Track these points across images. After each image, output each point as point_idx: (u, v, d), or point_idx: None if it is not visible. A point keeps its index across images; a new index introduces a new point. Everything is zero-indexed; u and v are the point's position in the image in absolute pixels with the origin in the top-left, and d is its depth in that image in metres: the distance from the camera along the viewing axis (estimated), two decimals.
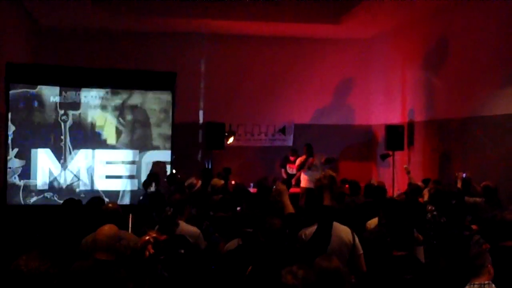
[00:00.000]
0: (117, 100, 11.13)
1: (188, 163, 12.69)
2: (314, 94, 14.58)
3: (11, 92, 10.45)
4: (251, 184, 11.29)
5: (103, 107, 11.05)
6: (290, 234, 4.61)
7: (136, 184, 11.02)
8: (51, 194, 10.72)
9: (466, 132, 10.39)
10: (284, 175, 13.16)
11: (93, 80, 11.03)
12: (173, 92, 11.35)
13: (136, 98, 11.26)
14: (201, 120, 14.12)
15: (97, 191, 10.76)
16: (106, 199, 8.26)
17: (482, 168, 9.51)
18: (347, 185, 9.34)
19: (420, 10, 11.54)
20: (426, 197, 7.73)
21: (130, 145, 11.17)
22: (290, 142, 14.49)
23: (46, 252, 2.96)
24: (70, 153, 10.86)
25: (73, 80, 10.94)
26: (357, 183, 8.97)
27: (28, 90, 10.64)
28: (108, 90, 11.09)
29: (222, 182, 8.66)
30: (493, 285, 3.68)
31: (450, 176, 9.73)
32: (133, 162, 11.18)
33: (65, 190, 10.70)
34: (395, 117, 13.30)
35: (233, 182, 10.94)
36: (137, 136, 11.22)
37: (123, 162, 11.15)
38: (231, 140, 13.20)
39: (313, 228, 4.51)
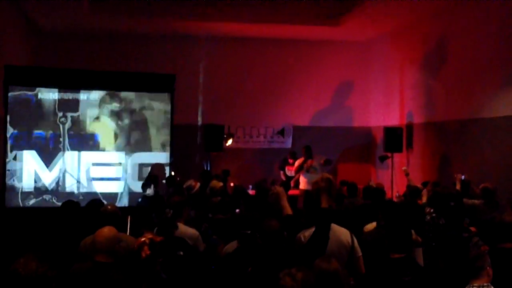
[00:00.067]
0: (116, 102, 11.13)
1: (186, 165, 12.69)
2: (313, 96, 14.58)
3: (9, 94, 10.46)
4: (250, 186, 11.28)
5: (102, 109, 11.05)
6: (289, 236, 4.61)
7: (135, 186, 11.01)
8: (50, 196, 10.72)
9: (465, 134, 10.39)
10: (283, 177, 13.15)
11: (92, 82, 11.04)
12: (172, 94, 11.36)
13: (135, 100, 11.27)
14: (200, 122, 14.10)
15: (96, 193, 10.76)
16: (104, 201, 8.25)
17: (481, 170, 9.51)
18: (345, 187, 9.34)
19: (418, 12, 11.54)
20: (424, 199, 7.73)
21: (129, 147, 11.17)
22: (289, 144, 14.48)
23: (44, 254, 2.95)
24: (69, 155, 10.85)
25: (72, 82, 10.95)
26: (355, 185, 8.97)
27: (26, 92, 10.65)
28: (107, 92, 11.10)
29: (221, 184, 8.66)
30: (492, 287, 3.68)
31: (449, 178, 9.72)
32: (131, 164, 11.17)
33: (64, 192, 10.70)
34: (394, 119, 13.30)
35: (231, 184, 10.94)
36: (135, 138, 11.22)
37: (121, 164, 11.14)
38: (230, 142, 13.20)
39: (312, 230, 4.51)
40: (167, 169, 11.19)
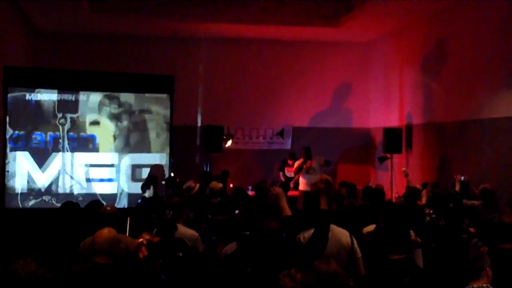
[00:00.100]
0: (115, 103, 11.12)
1: (186, 166, 12.69)
2: (313, 97, 14.58)
3: (9, 95, 10.44)
4: (249, 187, 11.28)
5: (101, 110, 11.04)
6: (288, 237, 4.61)
7: (134, 187, 11.00)
8: (49, 197, 10.70)
9: (464, 135, 10.40)
10: (282, 178, 13.14)
11: (92, 83, 11.03)
12: (171, 95, 11.35)
13: (134, 101, 11.27)
14: (199, 123, 14.10)
15: (95, 194, 10.75)
16: (104, 203, 8.24)
17: (480, 171, 9.52)
18: (344, 188, 9.34)
19: (418, 13, 11.56)
20: (424, 200, 7.73)
21: (128, 148, 11.16)
22: (288, 145, 14.49)
23: (44, 255, 2.95)
24: (68, 156, 10.85)
25: (71, 83, 10.94)
26: (354, 186, 8.96)
27: (26, 93, 10.64)
28: (106, 93, 11.10)
29: (221, 185, 8.65)
30: None
31: (448, 179, 9.73)
32: (131, 165, 11.17)
33: (63, 193, 10.69)
34: (393, 120, 13.31)
35: (231, 185, 10.94)
36: (135, 139, 11.21)
37: (120, 165, 11.14)
38: (229, 143, 13.20)
39: (311, 231, 4.51)
40: (166, 170, 11.18)
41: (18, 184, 10.54)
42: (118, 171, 11.12)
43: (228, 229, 5.86)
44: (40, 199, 10.65)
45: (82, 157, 10.95)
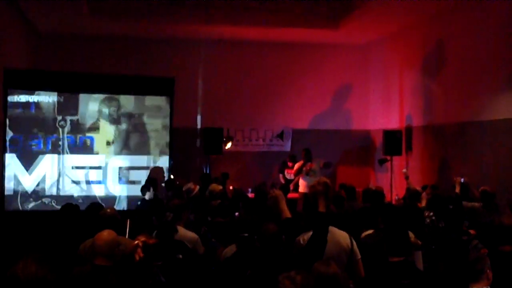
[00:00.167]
0: (115, 105, 11.12)
1: (186, 168, 12.68)
2: (312, 99, 14.58)
3: (9, 97, 10.45)
4: (249, 189, 11.28)
5: (101, 113, 11.05)
6: (287, 239, 4.61)
7: (133, 190, 11.00)
8: (49, 199, 10.70)
9: (464, 136, 10.40)
10: (282, 180, 13.14)
11: (91, 86, 11.05)
12: (171, 98, 11.36)
13: (134, 103, 11.27)
14: (199, 126, 14.10)
15: (94, 196, 10.76)
16: (103, 205, 8.24)
17: (480, 173, 9.52)
18: (343, 190, 9.33)
19: (417, 15, 11.57)
20: (424, 203, 7.73)
21: (128, 151, 11.17)
22: (288, 148, 14.49)
23: (44, 257, 2.95)
24: (68, 158, 10.85)
25: (71, 85, 10.95)
26: (353, 188, 8.96)
27: (26, 95, 10.64)
28: (106, 95, 11.10)
29: (221, 187, 8.66)
30: None
31: (448, 181, 9.73)
32: (130, 168, 11.17)
33: (63, 195, 10.69)
34: (393, 122, 13.31)
35: (231, 187, 10.94)
36: (134, 142, 11.22)
37: (120, 168, 11.14)
38: (229, 145, 13.20)
39: (311, 233, 4.51)
40: (166, 172, 11.18)
41: (18, 186, 10.54)
42: (117, 174, 11.12)
43: (227, 231, 5.87)
44: (40, 201, 10.65)
45: (82, 159, 10.95)
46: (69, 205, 6.86)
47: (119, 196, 11.07)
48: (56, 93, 10.81)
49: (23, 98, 10.62)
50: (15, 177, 10.52)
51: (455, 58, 10.88)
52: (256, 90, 14.26)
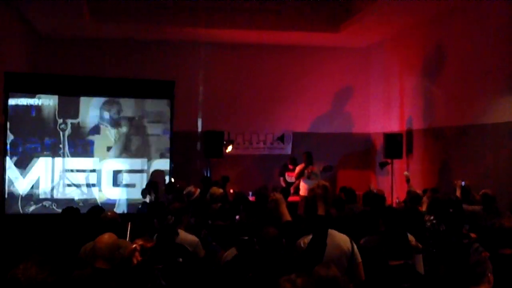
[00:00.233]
0: (116, 109, 11.14)
1: (186, 172, 12.68)
2: (313, 102, 14.59)
3: (9, 101, 10.46)
4: (250, 193, 11.28)
5: (102, 116, 11.06)
6: (288, 243, 4.61)
7: (134, 193, 11.00)
8: (50, 202, 10.71)
9: (465, 140, 10.39)
10: (283, 184, 13.14)
11: (92, 89, 11.06)
12: (171, 101, 11.37)
13: (134, 106, 11.29)
14: (199, 129, 14.10)
15: (95, 199, 10.77)
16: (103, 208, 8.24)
17: (481, 176, 9.51)
18: (343, 193, 9.31)
19: (418, 18, 11.58)
20: (424, 207, 7.71)
21: (129, 154, 11.17)
22: (288, 151, 14.49)
23: (44, 260, 2.95)
24: (69, 161, 10.85)
25: (72, 88, 10.97)
26: (353, 191, 8.94)
27: (26, 99, 10.65)
28: (106, 98, 11.11)
29: (221, 190, 8.65)
30: None
31: (449, 184, 9.72)
32: (131, 171, 11.17)
33: (64, 198, 10.69)
34: (394, 125, 13.31)
35: (231, 191, 10.93)
36: (135, 145, 11.22)
37: (121, 171, 11.14)
38: (229, 148, 13.20)
39: (311, 236, 4.52)
40: (166, 175, 11.19)
41: (19, 189, 10.55)
42: (118, 177, 11.12)
43: (228, 235, 5.86)
44: (40, 204, 10.66)
45: (83, 163, 10.96)
46: (70, 208, 6.87)
47: (119, 200, 11.07)
48: (56, 96, 10.82)
49: (24, 101, 10.64)
50: (16, 180, 10.53)
51: (455, 60, 10.88)
52: (256, 93, 14.27)
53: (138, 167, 11.21)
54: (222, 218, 6.77)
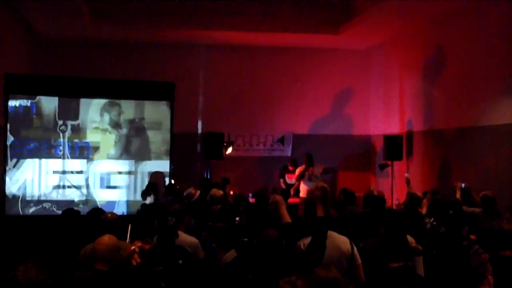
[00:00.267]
0: (116, 111, 11.13)
1: (186, 173, 12.67)
2: (313, 104, 14.59)
3: (9, 102, 10.46)
4: (250, 195, 11.28)
5: (102, 117, 11.05)
6: (288, 244, 4.61)
7: (134, 195, 11.00)
8: (50, 204, 10.70)
9: (465, 141, 10.39)
10: (283, 185, 13.14)
11: (92, 90, 11.05)
12: (171, 102, 11.36)
13: (134, 108, 11.28)
14: (199, 130, 14.11)
15: (95, 201, 10.77)
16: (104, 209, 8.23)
17: (481, 178, 9.51)
18: (342, 195, 9.29)
19: (418, 21, 11.59)
20: (425, 210, 7.69)
21: (129, 155, 11.16)
22: (288, 153, 14.48)
23: (44, 262, 2.95)
24: (69, 163, 10.85)
25: (72, 90, 10.95)
26: (353, 193, 8.93)
27: (26, 100, 10.65)
28: (107, 100, 11.11)
29: (221, 192, 8.64)
30: None
31: (449, 186, 9.72)
32: (131, 173, 11.17)
33: (64, 200, 10.68)
34: (394, 127, 13.32)
35: (231, 192, 10.92)
36: (135, 146, 11.22)
37: (121, 173, 11.13)
38: (229, 150, 13.20)
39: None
40: (166, 177, 11.18)
41: (19, 191, 10.54)
42: (118, 178, 11.12)
43: (227, 237, 5.86)
44: (40, 206, 10.65)
45: (83, 164, 10.95)
46: (70, 210, 6.87)
47: (119, 201, 11.06)
48: (56, 98, 10.81)
49: (24, 103, 10.64)
50: (16, 181, 10.52)
51: (455, 63, 10.89)
52: (257, 95, 14.28)
53: (138, 169, 11.20)
54: (222, 220, 6.77)
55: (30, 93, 10.66)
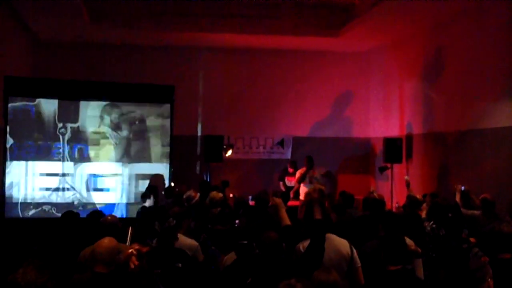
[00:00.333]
0: (116, 113, 11.14)
1: (186, 176, 12.68)
2: (313, 106, 14.60)
3: (9, 105, 10.46)
4: (249, 197, 11.27)
5: (102, 120, 11.06)
6: (287, 247, 4.61)
7: (133, 197, 11.00)
8: (49, 207, 10.69)
9: (464, 144, 10.40)
10: (283, 188, 13.12)
11: (92, 93, 11.06)
12: (171, 105, 11.36)
13: (134, 111, 11.28)
14: (199, 133, 14.12)
15: (94, 204, 10.76)
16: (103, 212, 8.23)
17: (480, 181, 9.51)
18: (341, 198, 9.28)
19: (418, 23, 11.60)
20: (424, 214, 7.69)
21: (128, 158, 11.17)
22: (288, 155, 14.48)
23: (44, 264, 2.95)
24: (69, 165, 10.85)
25: (72, 92, 10.97)
26: (352, 196, 8.92)
27: (26, 103, 10.65)
28: (106, 103, 11.12)
29: (221, 195, 8.64)
30: None
31: (448, 188, 9.72)
32: (130, 175, 11.16)
33: (63, 203, 10.68)
34: (394, 130, 13.32)
35: (231, 195, 10.92)
36: (135, 149, 11.22)
37: (120, 175, 11.13)
38: (229, 153, 13.19)
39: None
40: (166, 180, 11.18)
41: (18, 193, 10.54)
42: (117, 181, 11.12)
43: (227, 239, 5.87)
44: (40, 208, 10.65)
45: (82, 167, 10.95)
46: (69, 212, 6.87)
47: (118, 204, 11.06)
48: (56, 100, 10.82)
49: (23, 105, 10.64)
50: (16, 184, 10.52)
51: (455, 66, 10.89)
52: (256, 98, 14.28)
53: (138, 172, 11.19)
54: (221, 223, 6.77)
55: (30, 96, 10.67)
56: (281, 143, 14.55)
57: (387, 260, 4.34)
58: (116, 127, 11.14)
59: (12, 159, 10.48)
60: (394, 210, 10.56)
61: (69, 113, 10.89)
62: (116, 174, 11.12)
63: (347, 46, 13.87)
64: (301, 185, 12.24)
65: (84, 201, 10.87)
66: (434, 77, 11.63)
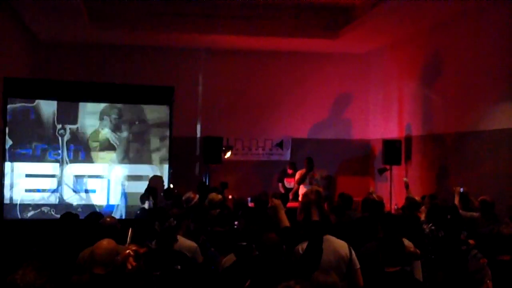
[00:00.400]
0: (115, 114, 11.14)
1: (185, 177, 12.68)
2: (312, 108, 14.60)
3: (8, 106, 10.46)
4: (248, 199, 11.27)
5: (101, 121, 11.05)
6: (287, 249, 4.61)
7: (132, 199, 10.98)
8: (48, 208, 10.69)
9: (463, 146, 10.40)
10: (282, 190, 13.11)
11: (91, 94, 11.05)
12: (171, 106, 11.37)
13: (134, 112, 11.28)
14: (198, 134, 14.12)
15: (93, 205, 10.76)
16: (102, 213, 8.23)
17: (479, 183, 9.51)
18: (340, 200, 9.25)
19: (417, 25, 11.61)
20: (423, 216, 7.68)
21: (127, 159, 11.17)
22: (287, 157, 14.49)
23: (43, 266, 2.95)
24: (68, 167, 10.85)
25: (71, 94, 10.96)
26: (349, 197, 8.91)
27: (25, 104, 10.65)
28: (105, 104, 11.12)
29: (220, 196, 8.64)
30: None
31: (447, 190, 9.72)
32: (130, 176, 11.16)
33: (62, 204, 10.68)
34: (393, 132, 13.32)
35: (229, 197, 10.92)
36: (134, 150, 11.22)
37: (120, 176, 11.13)
38: (228, 154, 13.20)
39: None
40: (166, 181, 11.18)
41: (17, 195, 10.53)
42: (117, 182, 11.11)
43: (226, 241, 5.86)
44: (39, 210, 10.64)
45: (82, 168, 10.95)
46: (68, 214, 6.86)
47: (118, 205, 11.06)
48: (55, 102, 10.82)
49: (22, 106, 10.63)
50: (15, 185, 10.51)
51: (454, 67, 10.90)
52: (256, 99, 14.29)
53: (137, 173, 11.19)
54: (220, 224, 6.77)
55: (29, 97, 10.67)
56: (280, 145, 14.56)
57: (386, 261, 4.34)
58: (115, 128, 11.14)
59: (11, 160, 10.47)
60: (393, 211, 10.57)
61: (68, 114, 10.89)
62: (115, 176, 11.11)
63: (346, 48, 13.89)
64: (301, 186, 12.22)
65: (83, 202, 10.87)
66: (433, 79, 11.64)
